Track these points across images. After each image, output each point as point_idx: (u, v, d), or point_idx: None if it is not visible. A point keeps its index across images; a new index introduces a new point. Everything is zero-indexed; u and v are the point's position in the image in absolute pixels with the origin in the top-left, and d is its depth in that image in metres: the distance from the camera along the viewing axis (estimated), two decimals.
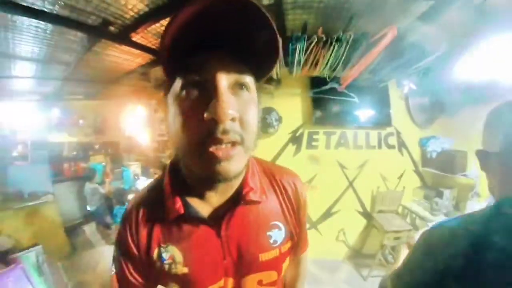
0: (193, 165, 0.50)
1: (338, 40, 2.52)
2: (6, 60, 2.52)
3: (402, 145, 3.38)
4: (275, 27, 0.44)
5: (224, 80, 0.45)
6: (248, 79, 0.50)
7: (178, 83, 0.48)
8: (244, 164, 0.52)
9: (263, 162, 0.75)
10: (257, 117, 0.53)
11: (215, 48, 0.46)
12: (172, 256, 0.60)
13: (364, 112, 3.30)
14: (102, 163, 4.64)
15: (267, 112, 3.29)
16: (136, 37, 2.38)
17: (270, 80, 3.03)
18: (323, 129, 3.39)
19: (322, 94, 3.20)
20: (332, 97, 3.18)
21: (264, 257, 0.64)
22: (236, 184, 0.61)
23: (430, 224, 1.98)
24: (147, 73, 3.25)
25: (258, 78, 0.54)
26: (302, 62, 2.80)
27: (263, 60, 0.50)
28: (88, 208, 3.98)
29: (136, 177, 4.49)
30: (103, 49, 2.60)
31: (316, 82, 3.22)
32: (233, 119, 0.45)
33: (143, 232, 0.61)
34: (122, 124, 5.05)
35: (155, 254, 0.61)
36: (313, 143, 3.41)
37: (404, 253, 1.23)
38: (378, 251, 2.97)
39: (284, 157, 3.43)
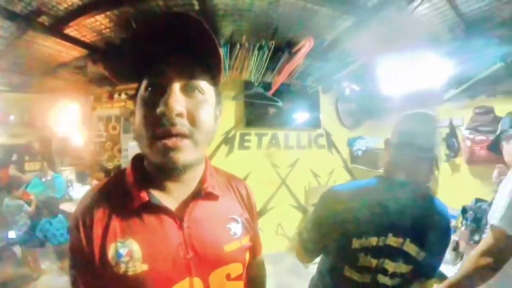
0: (149, 154, 0.53)
1: (261, 48, 2.47)
2: None
3: (331, 145, 3.40)
4: (214, 36, 0.51)
5: (176, 82, 0.50)
6: (201, 83, 0.54)
7: (143, 85, 0.54)
8: (194, 157, 0.53)
9: (218, 168, 0.77)
10: (213, 116, 0.57)
11: (173, 55, 0.52)
12: (130, 251, 0.53)
13: (295, 115, 3.24)
14: (59, 174, 3.80)
15: None
16: (69, 30, 2.13)
17: None
18: (255, 130, 3.29)
19: (251, 97, 3.05)
20: (258, 101, 3.04)
21: (228, 248, 0.62)
22: (196, 179, 0.62)
23: None
24: (83, 66, 2.88)
25: (212, 81, 0.58)
26: (227, 67, 2.68)
27: (209, 64, 0.56)
28: (11, 235, 3.08)
29: (69, 184, 3.79)
30: (34, 37, 2.24)
31: (249, 86, 3.04)
32: (179, 115, 0.48)
33: (98, 230, 0.54)
34: (54, 123, 4.10)
35: (111, 251, 0.52)
36: (245, 144, 3.32)
37: None
38: None
39: (217, 158, 3.31)
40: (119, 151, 4.20)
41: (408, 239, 0.88)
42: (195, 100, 0.52)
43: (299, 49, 2.35)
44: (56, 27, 2.06)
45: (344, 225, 0.88)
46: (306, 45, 2.25)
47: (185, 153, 0.50)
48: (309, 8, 2.01)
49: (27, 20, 1.92)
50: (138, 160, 0.63)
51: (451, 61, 2.07)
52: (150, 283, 0.53)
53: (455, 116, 2.39)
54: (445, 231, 0.97)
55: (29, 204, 3.14)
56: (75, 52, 2.59)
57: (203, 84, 0.54)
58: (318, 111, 3.27)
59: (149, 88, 0.52)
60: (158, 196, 0.57)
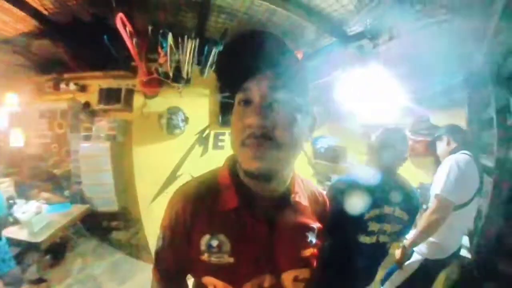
0: (240, 160, 0.57)
1: None
2: None
3: None
4: (292, 51, 0.57)
5: (261, 96, 0.54)
6: (286, 96, 0.56)
7: (237, 99, 0.58)
8: (277, 166, 0.57)
9: (303, 178, 0.80)
10: (302, 126, 0.58)
11: (258, 72, 0.55)
12: (220, 244, 0.61)
13: None
14: None
15: (173, 112, 3.02)
16: None
17: (179, 78, 2.78)
18: (229, 130, 3.36)
19: (230, 99, 3.16)
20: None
21: (303, 254, 0.69)
22: (283, 187, 0.66)
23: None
24: (29, 45, 2.40)
25: (298, 93, 0.59)
26: (208, 65, 2.72)
27: (294, 79, 0.58)
28: None
29: (11, 202, 2.90)
30: None
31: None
32: (263, 127, 0.52)
33: (197, 219, 0.63)
34: None
35: (203, 241, 0.62)
36: (220, 144, 3.35)
37: None
38: None
39: (191, 157, 3.26)
40: (68, 153, 3.51)
41: (397, 207, 1.32)
42: (279, 112, 0.55)
43: None
44: None
45: (358, 205, 1.23)
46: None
47: (268, 162, 0.53)
48: (300, 23, 2.30)
49: None
50: (232, 162, 0.70)
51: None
52: (232, 273, 0.63)
53: (401, 122, 2.87)
54: (417, 200, 1.43)
55: None
56: (23, 25, 2.12)
57: (288, 97, 0.56)
58: None
59: (241, 102, 0.57)
60: (250, 200, 0.64)
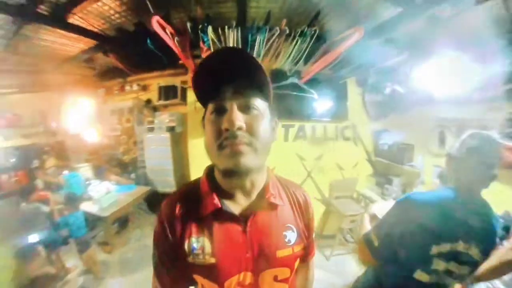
0: (217, 162, 0.63)
1: (302, 34, 2.29)
2: None
3: (357, 137, 3.37)
4: (260, 64, 0.61)
5: (235, 103, 0.61)
6: (257, 102, 0.63)
7: (209, 109, 0.64)
8: (255, 162, 0.61)
9: (280, 177, 0.83)
10: (268, 127, 0.65)
11: (230, 82, 0.62)
12: (202, 246, 0.66)
13: (323, 106, 3.18)
14: (76, 173, 3.41)
15: None
16: (73, 19, 1.91)
17: None
18: (282, 122, 3.22)
19: (281, 88, 2.96)
20: (291, 92, 2.98)
21: (280, 253, 0.70)
22: (259, 188, 0.71)
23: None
24: (91, 59, 2.75)
25: (264, 98, 0.66)
26: (262, 54, 2.49)
27: (260, 86, 0.65)
28: (32, 239, 2.90)
29: (87, 182, 3.53)
30: (34, 32, 2.05)
31: (276, 75, 2.97)
32: (240, 128, 0.58)
33: (179, 226, 0.68)
34: (67, 120, 3.99)
35: (186, 244, 0.66)
36: None
37: (366, 220, 1.41)
38: (338, 233, 3.03)
39: None
40: (135, 143, 4.10)
41: (473, 244, 1.01)
42: (251, 115, 0.62)
43: (343, 39, 2.21)
44: (58, 16, 1.86)
45: (425, 233, 1.00)
46: (353, 36, 2.09)
47: (248, 158, 0.59)
48: None
49: (23, 12, 1.67)
50: (209, 171, 0.74)
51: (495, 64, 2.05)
52: (215, 272, 0.66)
53: (486, 118, 2.36)
54: (497, 236, 1.07)
55: (46, 203, 3.01)
56: (82, 44, 2.44)
57: (258, 102, 0.63)
58: (345, 102, 3.24)
59: (215, 111, 0.62)
60: (227, 203, 0.68)
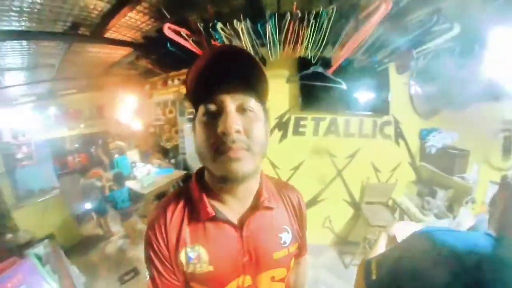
0: (213, 168, 0.59)
1: (318, 16, 1.96)
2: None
3: (399, 135, 2.83)
4: (260, 65, 0.58)
5: (231, 105, 0.58)
6: (252, 103, 0.60)
7: (201, 111, 0.60)
8: (252, 167, 0.60)
9: (273, 178, 0.83)
10: (264, 130, 0.63)
11: (224, 83, 0.59)
12: (198, 255, 0.65)
13: (359, 98, 2.75)
14: (125, 156, 4.45)
15: None
16: (109, 33, 2.22)
17: None
18: (312, 114, 2.93)
19: (308, 79, 2.66)
20: (315, 82, 2.63)
21: (276, 255, 0.72)
22: (252, 193, 0.69)
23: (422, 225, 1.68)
24: (132, 62, 3.06)
25: (260, 100, 0.64)
26: (277, 43, 2.27)
27: (257, 87, 0.62)
28: (87, 206, 3.91)
29: (133, 164, 4.31)
30: (82, 47, 2.48)
31: (305, 64, 2.67)
32: (238, 132, 0.56)
33: (172, 236, 0.65)
34: (118, 112, 4.76)
35: (182, 254, 0.65)
36: (300, 129, 2.98)
37: (382, 240, 1.21)
38: (362, 242, 2.69)
39: (270, 142, 3.13)
40: (176, 132, 4.57)
41: None
42: (248, 117, 0.59)
43: (369, 15, 1.79)
44: (96, 34, 2.16)
45: (439, 284, 0.69)
46: (380, 9, 1.67)
47: (246, 163, 0.57)
48: None
49: (69, 36, 2.10)
50: (199, 175, 0.72)
51: None
52: (214, 280, 0.66)
53: None
54: None
55: (99, 180, 3.92)
56: (122, 50, 2.76)
57: (253, 104, 0.61)
58: (387, 93, 2.71)
59: (208, 113, 0.59)
60: (221, 209, 0.67)
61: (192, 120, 0.66)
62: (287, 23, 2.07)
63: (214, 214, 0.65)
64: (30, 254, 1.65)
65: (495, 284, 0.65)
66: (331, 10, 1.92)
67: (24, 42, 2.10)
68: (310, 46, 2.31)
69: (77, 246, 3.59)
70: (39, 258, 1.61)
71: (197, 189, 0.68)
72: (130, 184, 3.77)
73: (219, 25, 2.07)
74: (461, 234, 0.76)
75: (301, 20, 2.04)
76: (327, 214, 3.17)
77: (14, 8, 1.58)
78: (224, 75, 0.58)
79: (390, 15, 1.74)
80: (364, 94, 2.75)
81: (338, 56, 2.41)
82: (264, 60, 2.55)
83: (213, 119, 0.58)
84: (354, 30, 2.03)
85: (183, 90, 4.24)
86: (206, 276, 0.65)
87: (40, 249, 1.96)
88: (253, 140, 0.58)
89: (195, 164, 4.14)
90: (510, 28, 1.55)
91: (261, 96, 0.64)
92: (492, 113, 2.07)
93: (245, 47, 2.22)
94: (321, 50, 2.36)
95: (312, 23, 2.02)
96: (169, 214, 0.66)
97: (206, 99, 0.59)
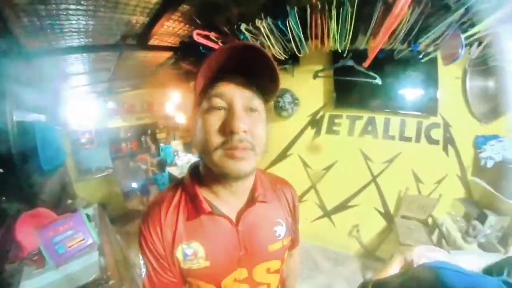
0: (213, 164, 0.59)
1: (340, 4, 1.85)
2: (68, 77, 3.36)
3: (449, 141, 2.34)
4: (275, 65, 0.57)
5: (239, 104, 0.58)
6: (257, 103, 0.61)
7: (205, 104, 0.60)
8: (253, 167, 0.62)
9: (266, 173, 0.85)
10: (266, 130, 0.63)
11: (234, 79, 0.59)
12: (195, 252, 0.66)
13: (401, 94, 2.43)
14: (170, 145, 5.17)
15: (279, 95, 2.87)
16: (153, 41, 2.61)
17: (286, 59, 2.51)
18: (347, 112, 2.73)
19: (338, 73, 2.51)
20: (347, 77, 2.44)
21: (271, 248, 0.74)
22: (248, 188, 0.71)
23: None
24: (174, 63, 3.45)
25: (266, 101, 0.65)
26: (303, 38, 2.15)
27: (267, 88, 0.62)
28: (134, 185, 4.72)
29: (175, 153, 4.92)
30: (130, 54, 2.99)
31: (332, 58, 2.54)
32: (245, 132, 0.56)
33: (168, 233, 0.65)
34: (166, 107, 5.39)
35: (179, 251, 0.65)
36: (334, 128, 2.81)
37: (397, 263, 1.20)
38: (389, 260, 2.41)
39: (303, 139, 3.03)
40: None
41: None
42: (253, 117, 0.59)
43: None
44: (141, 42, 2.51)
45: None
46: None
47: (249, 163, 0.58)
48: None
49: (119, 46, 2.54)
50: (194, 170, 0.72)
51: None
52: (210, 274, 0.66)
53: None
54: None
55: (145, 164, 4.57)
56: (165, 54, 3.17)
57: (259, 103, 0.61)
58: (435, 89, 2.27)
59: (214, 108, 0.58)
60: (217, 204, 0.67)
61: (193, 112, 0.65)
62: (308, 16, 1.98)
63: (210, 209, 0.65)
64: (81, 210, 2.00)
65: None
66: None
67: (85, 54, 2.63)
68: (337, 38, 2.13)
69: (121, 217, 4.24)
70: (87, 216, 1.94)
71: (192, 185, 0.68)
72: (171, 170, 4.26)
73: (243, 26, 2.16)
74: (474, 278, 0.71)
75: (323, 11, 1.95)
76: (356, 222, 2.90)
77: (73, 29, 2.03)
78: (235, 70, 0.58)
79: None
80: (407, 91, 2.41)
81: (373, 46, 2.10)
82: (295, 56, 2.46)
83: (219, 114, 0.58)
84: (384, 15, 1.79)
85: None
86: (203, 271, 0.66)
87: (90, 210, 2.43)
88: (257, 140, 0.59)
89: None
90: None
91: (267, 96, 0.64)
92: None
93: (271, 45, 2.26)
94: (350, 41, 2.14)
95: (334, 13, 1.89)
96: (163, 211, 0.66)
97: (213, 93, 0.59)
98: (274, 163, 3.25)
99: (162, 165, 4.09)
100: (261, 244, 0.71)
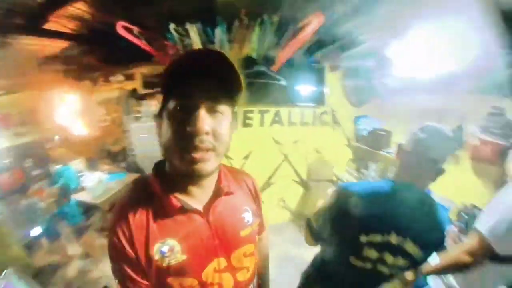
0: (178, 165, 0.61)
1: (262, 23, 2.19)
2: None
3: (336, 122, 3.24)
4: (237, 70, 0.61)
5: (203, 105, 0.59)
6: (222, 105, 0.62)
7: (171, 105, 0.61)
8: (215, 166, 0.64)
9: (228, 166, 0.87)
10: (229, 131, 0.65)
11: (200, 82, 0.60)
12: (171, 248, 0.65)
13: (299, 92, 3.07)
14: (68, 166, 3.65)
15: None
16: (49, 24, 1.97)
17: None
18: (258, 107, 3.13)
19: (250, 76, 2.85)
20: (259, 80, 2.87)
21: (243, 233, 0.77)
22: (213, 181, 0.73)
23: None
24: (73, 56, 2.74)
25: (231, 103, 0.66)
26: (225, 43, 2.43)
27: (232, 90, 0.64)
28: (34, 232, 3.27)
29: (79, 174, 3.70)
30: (15, 39, 2.12)
31: (246, 63, 2.85)
32: (207, 133, 0.57)
33: (140, 236, 0.64)
34: (56, 116, 3.86)
35: (154, 250, 0.64)
36: (248, 121, 3.19)
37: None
38: None
39: None
40: (124, 133, 4.13)
41: (408, 239, 0.99)
42: (217, 119, 0.61)
43: (306, 25, 2.10)
44: (33, 25, 1.94)
45: (355, 222, 1.01)
46: (314, 22, 2.02)
47: (210, 163, 0.60)
48: None
49: (2, 25, 1.85)
50: (159, 168, 0.73)
51: None
52: (189, 267, 0.66)
53: (467, 109, 2.22)
54: (443, 235, 1.04)
55: (42, 198, 3.30)
56: (62, 43, 2.44)
57: (223, 106, 0.62)
58: (323, 87, 3.10)
59: (179, 108, 0.59)
60: (185, 199, 0.67)
61: (159, 112, 0.66)
62: (236, 27, 2.23)
63: (179, 205, 0.65)
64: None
65: (394, 215, 0.98)
66: (273, 20, 2.13)
67: None
68: (255, 47, 2.56)
69: (35, 278, 2.96)
70: None
71: (158, 184, 0.68)
72: (79, 196, 3.36)
73: (172, 26, 2.11)
74: (366, 183, 1.23)
75: (248, 25, 2.23)
76: (281, 195, 3.51)
77: None
78: (202, 74, 0.59)
79: (324, 25, 2.04)
80: (303, 88, 3.06)
81: (281, 56, 2.71)
82: None
83: (184, 115, 0.59)
84: (293, 36, 2.32)
85: (127, 86, 3.91)
86: (182, 265, 0.66)
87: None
88: (219, 140, 0.61)
89: (146, 165, 3.92)
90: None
91: (233, 100, 0.66)
92: (409, 102, 2.44)
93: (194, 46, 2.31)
94: (266, 50, 2.60)
95: (258, 29, 2.24)
96: (131, 216, 0.64)
97: (179, 94, 0.60)
98: None
99: (65, 193, 3.28)
100: (233, 231, 0.75)
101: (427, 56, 2.04)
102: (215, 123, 0.60)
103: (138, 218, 0.64)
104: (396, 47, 2.15)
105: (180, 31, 2.17)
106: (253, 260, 0.82)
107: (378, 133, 2.88)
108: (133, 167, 4.04)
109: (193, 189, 0.69)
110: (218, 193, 0.73)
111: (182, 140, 0.58)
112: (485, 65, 1.77)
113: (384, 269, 1.04)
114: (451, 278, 1.49)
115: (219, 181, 0.74)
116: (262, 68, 2.76)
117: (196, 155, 0.57)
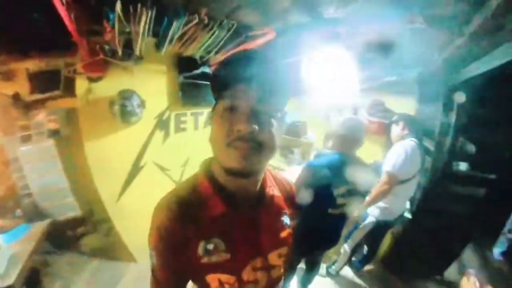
0: (222, 158, 0.63)
1: (221, 26, 2.25)
2: None
3: None
4: (289, 82, 0.68)
5: (250, 105, 0.60)
6: (268, 105, 0.62)
7: (221, 105, 0.62)
8: (261, 166, 0.67)
9: (272, 170, 0.90)
10: (277, 133, 0.64)
11: (247, 84, 0.60)
12: (216, 246, 0.68)
13: None
14: None
15: (126, 97, 2.44)
16: None
17: (129, 56, 2.26)
18: (190, 110, 3.10)
19: (192, 77, 2.86)
20: (200, 81, 2.92)
21: (283, 234, 0.81)
22: (258, 183, 0.73)
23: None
24: None
25: (279, 106, 0.67)
26: (174, 40, 2.30)
27: (277, 92, 0.64)
28: None
29: None
30: None
31: (186, 62, 2.82)
32: (252, 132, 0.58)
33: (189, 232, 0.66)
34: None
35: (200, 247, 0.67)
36: (182, 126, 3.08)
37: None
38: None
39: (153, 144, 2.87)
40: (7, 164, 2.71)
41: (357, 183, 1.70)
42: (263, 119, 0.61)
43: (256, 35, 2.39)
44: None
45: (328, 183, 1.61)
46: (267, 35, 2.34)
47: (254, 160, 0.61)
48: None
49: None
50: (207, 169, 0.75)
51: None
52: (231, 265, 0.71)
53: (357, 103, 3.35)
54: (373, 176, 2.06)
55: None
56: None
57: (271, 107, 0.63)
58: None
59: (229, 108, 0.61)
60: (232, 200, 0.70)
61: (212, 112, 0.69)
62: (191, 25, 2.15)
63: (226, 205, 0.69)
64: None
65: (341, 180, 1.67)
66: (231, 24, 2.26)
67: None
68: (202, 49, 2.56)
69: None
70: None
71: (206, 184, 0.71)
72: None
73: (119, 5, 1.75)
74: (324, 157, 1.79)
75: (205, 25, 2.22)
76: None
77: None
78: (258, 77, 0.60)
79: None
80: None
81: (217, 60, 2.84)
82: (141, 56, 2.37)
83: (232, 114, 0.61)
84: (240, 43, 2.53)
85: (6, 90, 2.53)
86: (224, 263, 0.69)
87: None
88: (265, 142, 0.61)
89: (52, 204, 2.71)
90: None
91: (280, 101, 0.67)
92: (317, 99, 3.23)
93: (135, 35, 2.05)
94: (209, 53, 2.65)
95: (214, 30, 2.28)
96: (178, 211, 0.67)
97: (225, 95, 0.63)
98: (129, 181, 2.78)
99: None
100: (274, 233, 0.79)
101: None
102: (261, 123, 0.61)
103: (187, 215, 0.67)
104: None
105: (124, 14, 1.85)
106: (283, 261, 0.85)
107: (296, 124, 3.67)
108: (34, 213, 2.70)
109: (240, 190, 0.71)
110: (263, 195, 0.76)
111: (228, 136, 0.60)
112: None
113: (348, 209, 1.74)
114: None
115: (264, 183, 0.77)
116: (207, 70, 2.82)
117: (242, 150, 0.59)
